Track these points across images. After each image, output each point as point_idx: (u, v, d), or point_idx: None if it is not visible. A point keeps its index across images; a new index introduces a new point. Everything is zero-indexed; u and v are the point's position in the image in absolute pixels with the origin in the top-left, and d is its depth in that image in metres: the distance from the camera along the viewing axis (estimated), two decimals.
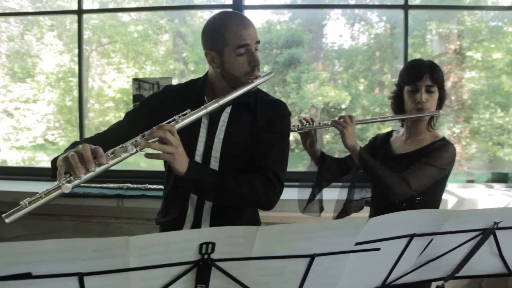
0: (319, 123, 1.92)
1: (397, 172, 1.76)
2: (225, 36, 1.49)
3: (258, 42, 1.54)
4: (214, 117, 1.60)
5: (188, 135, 1.52)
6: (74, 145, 1.51)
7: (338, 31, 5.78)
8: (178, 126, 1.39)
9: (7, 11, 3.90)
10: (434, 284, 1.39)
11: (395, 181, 1.70)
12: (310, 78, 4.97)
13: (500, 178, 3.01)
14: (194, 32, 5.04)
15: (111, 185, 2.77)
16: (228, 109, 1.61)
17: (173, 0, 4.56)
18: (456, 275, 1.35)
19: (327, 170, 2.03)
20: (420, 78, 1.80)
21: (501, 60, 3.99)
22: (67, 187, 1.22)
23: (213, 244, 0.93)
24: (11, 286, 0.85)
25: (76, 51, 5.57)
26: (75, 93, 5.65)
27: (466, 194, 2.68)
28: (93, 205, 2.65)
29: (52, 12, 3.58)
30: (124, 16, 5.26)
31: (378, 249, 1.09)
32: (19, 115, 5.02)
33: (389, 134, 2.04)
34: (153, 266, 0.92)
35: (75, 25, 5.27)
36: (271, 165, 1.53)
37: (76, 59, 5.66)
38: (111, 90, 5.68)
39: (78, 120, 5.58)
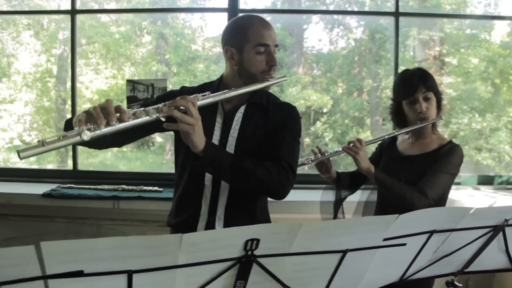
0: (331, 152, 1.98)
1: (407, 173, 1.84)
2: (247, 34, 1.55)
3: (276, 45, 1.59)
4: (228, 116, 1.63)
5: (204, 132, 1.52)
6: (69, 122, 1.49)
7: (318, 35, 5.88)
8: (198, 103, 1.41)
9: None
10: (436, 281, 1.46)
11: (413, 194, 1.76)
12: (292, 81, 5.04)
13: (486, 180, 3.14)
14: (177, 34, 5.04)
15: (106, 186, 2.73)
16: (242, 109, 1.64)
17: (168, 2, 4.52)
18: (466, 270, 1.41)
19: (344, 188, 2.10)
20: (415, 90, 1.87)
21: (476, 67, 4.17)
22: (86, 134, 1.20)
23: (258, 241, 0.95)
24: (63, 284, 0.85)
25: (54, 51, 5.47)
26: (53, 93, 5.55)
27: (456, 196, 2.78)
28: (88, 207, 2.61)
29: (45, 12, 3.51)
30: (103, 17, 5.20)
31: (404, 244, 1.14)
32: None
33: (395, 138, 2.10)
34: (200, 263, 0.94)
35: (53, 25, 5.19)
36: (284, 155, 1.57)
37: (53, 59, 5.56)
38: (89, 91, 5.61)
39: (55, 121, 5.50)
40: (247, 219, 1.64)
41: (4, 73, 4.95)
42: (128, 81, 2.93)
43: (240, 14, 1.65)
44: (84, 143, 1.24)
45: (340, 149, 1.95)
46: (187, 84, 2.76)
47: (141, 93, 2.83)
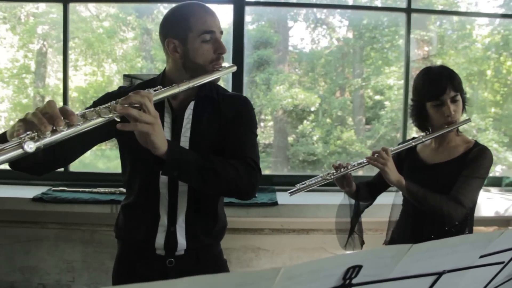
0: (354, 164, 1.77)
1: (435, 183, 1.66)
2: (189, 22, 1.37)
3: (221, 32, 1.44)
4: (177, 114, 1.44)
5: None
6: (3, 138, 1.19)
7: (301, 34, 5.73)
8: (153, 98, 1.20)
9: None
10: None
11: (449, 205, 1.59)
12: (280, 80, 4.86)
13: (495, 182, 3.02)
14: None
15: (102, 189, 2.44)
16: (191, 105, 1.45)
17: None
18: None
19: (362, 200, 1.90)
20: (443, 91, 1.67)
21: (461, 68, 4.10)
22: (30, 145, 0.91)
23: (360, 268, 0.74)
24: None
25: (31, 46, 5.09)
26: (30, 90, 5.18)
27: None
28: (84, 212, 2.33)
29: (36, 0, 3.19)
30: (84, 12, 4.87)
31: (503, 262, 0.95)
32: None
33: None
34: None
35: (32, 19, 4.81)
36: (247, 152, 1.43)
37: (30, 55, 5.19)
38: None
39: None
40: (210, 222, 1.50)
41: None
42: (125, 76, 2.65)
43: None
44: (25, 159, 0.96)
45: (365, 161, 1.74)
46: None
47: None
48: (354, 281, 0.76)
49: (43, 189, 2.51)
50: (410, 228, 1.80)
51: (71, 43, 5.09)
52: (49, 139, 0.97)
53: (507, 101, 4.48)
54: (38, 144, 0.94)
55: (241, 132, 1.47)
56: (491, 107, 4.46)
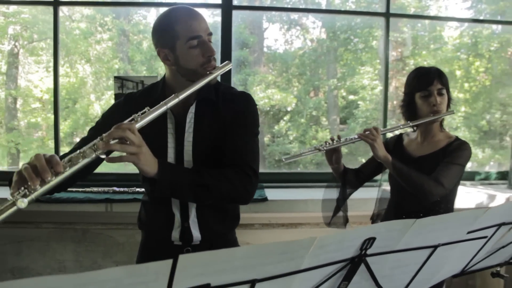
0: (346, 139, 1.93)
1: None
2: (175, 30, 1.42)
3: (210, 34, 1.48)
4: (179, 119, 1.52)
5: (157, 143, 1.44)
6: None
7: (275, 35, 5.87)
8: (138, 125, 1.27)
9: None
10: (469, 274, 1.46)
11: (430, 183, 1.77)
12: (256, 80, 4.99)
13: (468, 176, 3.29)
14: (141, 31, 4.81)
15: (95, 189, 2.52)
16: (192, 109, 1.52)
17: None
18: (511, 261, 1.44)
19: (349, 183, 2.06)
20: (431, 82, 1.89)
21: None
22: (22, 202, 1.06)
23: (374, 239, 0.90)
24: None
25: (2, 47, 5.04)
26: (1, 92, 5.12)
27: None
28: (78, 211, 2.40)
29: (26, 2, 3.20)
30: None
31: (486, 237, 1.13)
32: None
33: (400, 138, 2.11)
34: (319, 266, 0.86)
35: (2, 19, 4.77)
36: (244, 158, 1.48)
37: (0, 56, 5.13)
38: (38, 90, 5.24)
39: (5, 120, 5.06)
40: (222, 214, 1.59)
41: None
42: (116, 77, 2.73)
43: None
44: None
45: (356, 137, 1.92)
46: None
47: (130, 90, 2.64)
48: (368, 251, 0.92)
49: None
50: (394, 207, 2.02)
51: (42, 44, 5.09)
52: (38, 192, 1.09)
53: (476, 100, 4.77)
54: (29, 198, 1.08)
55: (239, 136, 1.50)
56: (461, 106, 4.74)
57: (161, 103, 1.32)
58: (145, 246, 1.70)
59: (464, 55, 4.57)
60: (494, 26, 4.46)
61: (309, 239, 0.80)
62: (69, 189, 2.48)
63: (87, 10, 4.62)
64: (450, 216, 1.03)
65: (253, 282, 0.79)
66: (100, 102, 5.05)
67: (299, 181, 2.96)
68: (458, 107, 4.68)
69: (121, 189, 2.54)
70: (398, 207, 2.00)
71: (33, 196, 1.08)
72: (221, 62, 2.79)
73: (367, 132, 1.89)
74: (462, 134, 4.19)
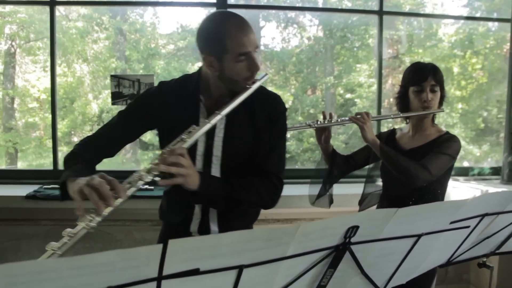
0: (338, 119, 1.99)
1: None
2: (225, 44, 1.43)
3: (257, 47, 1.49)
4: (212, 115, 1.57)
5: None
6: (72, 157, 1.51)
7: (272, 33, 5.93)
8: (186, 145, 1.37)
9: None
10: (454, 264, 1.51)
11: (416, 168, 1.83)
12: None
13: (462, 172, 3.34)
14: (137, 30, 4.87)
15: None
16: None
17: None
18: (497, 251, 1.49)
19: (337, 167, 2.11)
20: (425, 79, 1.94)
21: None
22: (92, 227, 1.23)
23: (357, 228, 0.95)
24: (175, 283, 0.80)
25: None
26: None
27: None
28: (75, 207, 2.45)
29: (22, 2, 3.23)
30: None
31: (468, 226, 1.18)
32: None
33: (393, 132, 2.16)
34: (304, 253, 0.91)
35: None
36: (273, 167, 1.56)
37: None
38: (35, 89, 5.30)
39: (3, 120, 5.11)
40: (241, 213, 1.64)
41: None
42: (113, 76, 2.78)
43: (212, 12, 1.54)
44: None
45: (347, 119, 1.99)
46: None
47: (126, 89, 2.69)
48: (352, 240, 0.97)
49: (35, 187, 2.63)
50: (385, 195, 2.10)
51: (39, 44, 5.13)
52: (104, 215, 1.22)
53: (472, 98, 4.83)
54: (97, 222, 1.22)
55: (271, 141, 1.57)
56: (458, 103, 4.80)
57: (205, 121, 1.43)
58: (163, 237, 1.75)
59: (461, 52, 4.62)
60: (490, 24, 4.50)
61: (293, 226, 0.84)
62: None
63: (83, 10, 4.67)
64: (432, 205, 1.08)
65: (240, 268, 0.84)
66: (97, 101, 5.10)
67: (296, 177, 3.01)
68: (455, 104, 4.74)
69: None
70: (388, 195, 2.07)
71: (98, 219, 1.22)
72: None
73: (358, 116, 1.96)
74: (458, 131, 4.25)
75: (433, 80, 1.95)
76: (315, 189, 2.12)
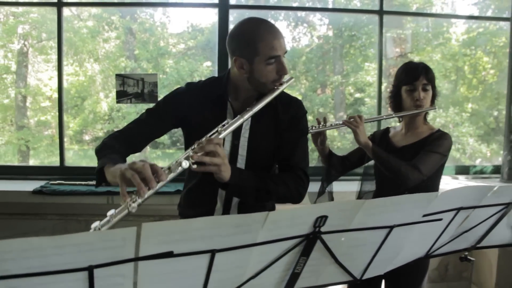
0: (332, 124, 2.07)
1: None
2: (257, 47, 1.53)
3: (286, 52, 1.61)
4: (238, 115, 1.66)
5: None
6: (105, 147, 1.57)
7: (282, 32, 5.97)
8: (221, 136, 1.46)
9: None
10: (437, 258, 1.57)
11: (407, 168, 1.89)
12: None
13: (463, 170, 3.38)
14: (147, 30, 4.98)
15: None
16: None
17: None
18: (478, 245, 1.55)
19: (333, 167, 2.20)
20: (417, 78, 2.01)
21: (438, 64, 4.43)
22: (133, 207, 1.26)
23: (326, 218, 1.02)
24: (153, 262, 0.89)
25: (11, 46, 5.23)
26: (11, 90, 5.32)
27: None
28: (81, 203, 2.58)
29: (30, 4, 3.38)
30: (65, 11, 5.05)
31: (441, 219, 1.25)
32: None
33: (387, 130, 2.23)
34: (275, 240, 0.99)
35: (12, 19, 4.97)
36: (298, 163, 1.66)
37: (10, 55, 5.33)
38: (48, 88, 5.43)
39: (15, 119, 5.27)
40: (260, 209, 1.69)
41: None
42: (118, 75, 2.89)
43: (246, 18, 1.63)
44: None
45: (341, 122, 2.07)
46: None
47: (131, 88, 2.80)
48: (322, 229, 1.05)
49: (41, 183, 2.76)
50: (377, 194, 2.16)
51: (51, 43, 5.28)
52: (146, 197, 1.27)
53: (484, 97, 4.84)
54: (137, 204, 1.26)
55: (294, 140, 1.67)
56: (469, 103, 4.81)
57: (238, 116, 1.52)
58: None
59: (471, 50, 4.63)
60: (501, 22, 4.50)
61: (261, 214, 0.93)
62: (72, 182, 2.68)
63: (94, 9, 4.81)
64: (401, 198, 1.15)
65: (212, 252, 0.93)
66: (107, 100, 5.24)
67: None
68: (466, 103, 4.75)
69: None
70: (382, 193, 2.12)
71: (140, 201, 1.26)
72: (218, 60, 2.98)
73: (351, 119, 2.03)
74: (466, 130, 4.27)
75: (425, 79, 2.01)
76: (315, 187, 2.19)
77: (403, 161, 1.92)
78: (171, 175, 1.36)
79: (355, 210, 1.06)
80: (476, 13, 4.57)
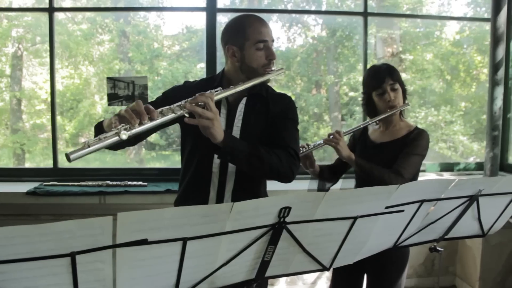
0: (313, 145, 2.17)
1: (380, 158, 2.07)
2: (246, 32, 1.71)
3: (273, 40, 1.78)
4: (232, 107, 1.80)
5: None
6: (100, 126, 1.65)
7: (277, 33, 6.10)
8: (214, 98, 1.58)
9: None
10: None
11: (390, 176, 1.99)
12: None
13: (448, 167, 3.50)
14: (141, 32, 5.10)
15: (90, 183, 2.81)
16: (244, 100, 1.81)
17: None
18: (446, 237, 1.66)
19: (326, 180, 2.31)
20: (383, 81, 2.12)
21: (431, 64, 4.55)
22: (124, 134, 1.33)
23: (290, 209, 1.14)
24: (129, 250, 1.00)
25: (6, 49, 5.33)
26: (6, 94, 5.42)
27: None
28: (74, 203, 2.70)
29: (22, 9, 3.50)
30: (60, 15, 5.16)
31: (403, 211, 1.36)
32: None
33: (366, 128, 2.34)
34: (243, 229, 1.11)
35: (5, 22, 5.08)
36: (289, 143, 1.76)
37: (4, 58, 5.43)
38: (43, 91, 5.53)
39: (10, 122, 5.39)
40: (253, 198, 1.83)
41: None
42: (109, 78, 3.02)
43: (237, 14, 1.80)
44: (120, 142, 1.37)
45: (322, 142, 2.17)
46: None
47: (122, 90, 2.93)
48: (287, 219, 1.17)
49: (35, 184, 2.89)
50: None
51: (45, 46, 5.38)
52: (136, 129, 1.36)
53: (477, 96, 4.95)
54: (129, 133, 1.34)
55: (285, 126, 1.79)
56: (462, 101, 4.92)
57: (231, 86, 1.68)
58: None
59: (464, 50, 4.74)
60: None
61: (226, 205, 1.04)
62: (65, 183, 2.80)
63: (88, 12, 4.92)
64: (362, 190, 1.26)
65: (184, 240, 1.05)
66: (102, 102, 5.35)
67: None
68: (459, 102, 4.86)
69: (114, 183, 2.83)
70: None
71: (132, 131, 1.35)
72: (207, 61, 3.10)
73: (331, 137, 2.13)
74: (457, 128, 4.38)
75: (391, 80, 2.12)
76: (314, 184, 2.31)
77: (385, 169, 2.02)
78: (163, 118, 1.45)
79: (318, 202, 1.17)
80: (469, 13, 4.68)
